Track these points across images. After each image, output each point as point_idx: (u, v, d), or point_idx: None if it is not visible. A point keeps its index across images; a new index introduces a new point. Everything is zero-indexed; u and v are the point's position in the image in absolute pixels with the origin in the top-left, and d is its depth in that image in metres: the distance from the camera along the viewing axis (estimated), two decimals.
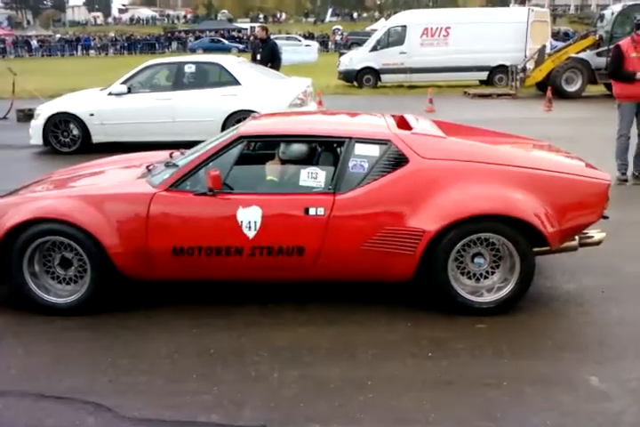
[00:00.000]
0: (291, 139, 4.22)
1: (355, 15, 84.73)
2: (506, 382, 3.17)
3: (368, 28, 46.44)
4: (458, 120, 6.05)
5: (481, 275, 3.96)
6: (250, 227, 3.81)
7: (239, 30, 56.91)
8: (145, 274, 4.01)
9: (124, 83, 9.76)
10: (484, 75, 19.28)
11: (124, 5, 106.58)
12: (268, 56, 11.55)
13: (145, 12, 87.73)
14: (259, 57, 11.63)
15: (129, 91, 9.66)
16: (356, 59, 19.93)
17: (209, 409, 2.98)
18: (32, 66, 28.89)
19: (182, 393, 3.11)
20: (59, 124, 9.70)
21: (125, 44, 49.51)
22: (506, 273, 3.92)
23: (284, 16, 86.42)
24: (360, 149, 3.97)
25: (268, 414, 2.94)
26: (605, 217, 4.12)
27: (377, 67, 19.39)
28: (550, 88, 14.74)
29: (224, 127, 9.17)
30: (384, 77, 19.48)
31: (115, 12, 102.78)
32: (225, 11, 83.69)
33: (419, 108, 13.31)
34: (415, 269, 3.86)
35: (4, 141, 10.86)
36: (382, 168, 3.90)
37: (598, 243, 4.28)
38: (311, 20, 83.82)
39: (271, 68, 11.31)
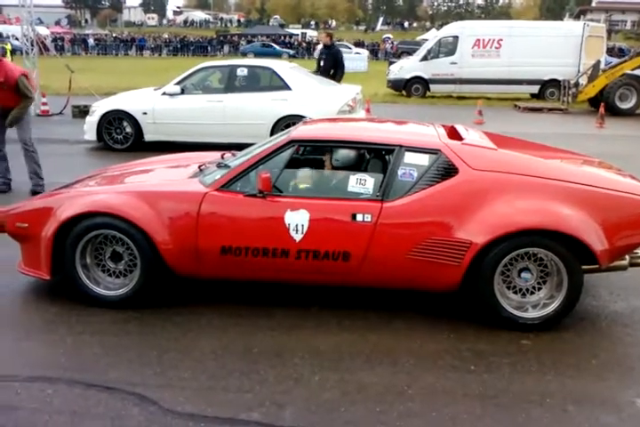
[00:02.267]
0: (341, 144, 4.26)
1: (406, 24, 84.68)
2: (549, 400, 3.13)
3: (418, 38, 46.39)
4: (507, 133, 6.00)
5: (527, 290, 3.92)
6: (297, 230, 3.86)
7: (290, 36, 57.39)
8: (193, 271, 4.09)
9: (177, 84, 9.94)
10: (535, 88, 19.07)
11: (178, 8, 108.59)
12: (331, 63, 11.57)
13: (199, 15, 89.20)
14: (322, 63, 11.69)
15: (182, 91, 9.84)
16: (406, 68, 19.92)
17: (250, 408, 3.02)
18: (88, 64, 29.57)
19: (225, 390, 3.17)
20: (113, 121, 9.93)
21: (179, 46, 50.36)
22: (553, 290, 3.88)
23: (334, 23, 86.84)
24: (410, 157, 3.98)
25: (309, 416, 2.97)
26: None
27: (426, 76, 19.35)
28: (603, 104, 14.51)
29: (273, 131, 9.28)
30: (433, 87, 19.43)
31: (169, 14, 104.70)
32: (277, 16, 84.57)
33: (467, 120, 13.22)
34: (461, 280, 3.84)
35: (60, 136, 11.15)
36: (431, 177, 3.90)
37: None
38: (362, 28, 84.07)
39: (334, 74, 11.39)
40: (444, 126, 4.72)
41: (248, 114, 9.59)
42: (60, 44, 45.03)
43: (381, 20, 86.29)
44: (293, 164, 4.23)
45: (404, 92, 19.69)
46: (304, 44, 51.26)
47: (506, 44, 19.00)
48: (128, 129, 9.92)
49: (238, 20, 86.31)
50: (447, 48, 19.53)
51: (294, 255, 3.89)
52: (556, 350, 3.66)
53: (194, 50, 48.92)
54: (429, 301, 4.27)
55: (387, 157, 4.28)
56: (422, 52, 19.99)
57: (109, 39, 52.53)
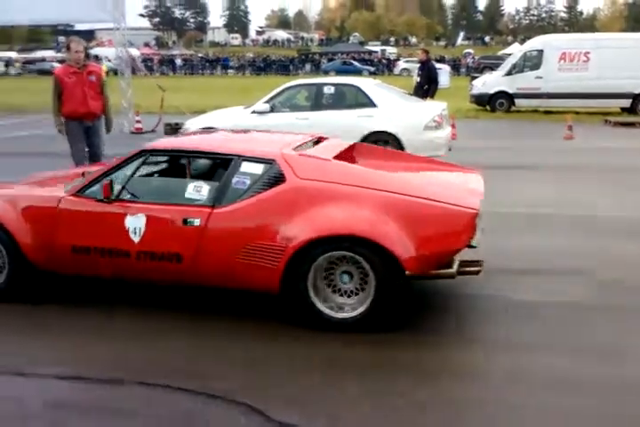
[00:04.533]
0: (187, 154, 4.73)
1: (486, 39, 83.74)
2: None
3: (500, 53, 45.77)
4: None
5: (345, 292, 4.06)
6: (135, 233, 4.21)
7: (370, 53, 57.79)
8: (52, 267, 4.49)
9: (266, 102, 10.18)
10: (626, 102, 18.45)
11: (260, 27, 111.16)
12: (425, 78, 12.04)
13: (280, 35, 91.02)
14: (418, 79, 12.08)
15: (271, 110, 10.08)
16: (490, 82, 19.70)
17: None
18: (176, 83, 30.66)
19: (334, 402, 3.22)
20: None
21: (262, 65, 51.55)
22: (368, 293, 3.97)
23: (414, 39, 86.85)
24: (246, 166, 4.23)
25: None
26: (472, 246, 4.05)
27: (511, 91, 19.05)
28: None
29: None
30: (518, 102, 19.12)
31: (252, 34, 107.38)
32: (357, 34, 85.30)
33: (555, 135, 13.00)
34: (279, 282, 3.99)
35: None
36: (261, 185, 4.14)
37: (477, 273, 4.19)
38: (442, 43, 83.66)
39: (427, 90, 11.78)
40: (313, 138, 5.00)
41: (334, 131, 9.55)
42: (149, 64, 46.96)
43: (462, 35, 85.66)
44: (143, 172, 4.64)
45: (487, 107, 19.47)
46: (384, 61, 51.51)
47: (594, 57, 18.51)
48: None
49: (321, 39, 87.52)
50: (532, 62, 19.21)
51: (134, 256, 4.22)
52: None
53: (276, 69, 49.96)
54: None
55: (227, 166, 4.47)
56: (506, 66, 19.73)
57: (196, 59, 54.39)
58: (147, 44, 69.36)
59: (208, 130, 7.73)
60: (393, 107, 9.86)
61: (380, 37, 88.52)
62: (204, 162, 4.75)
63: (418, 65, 13.21)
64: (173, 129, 13.37)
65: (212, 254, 4.09)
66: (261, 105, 10.14)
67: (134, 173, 4.44)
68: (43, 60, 53.90)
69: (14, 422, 3.11)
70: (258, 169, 4.20)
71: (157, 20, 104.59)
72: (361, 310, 3.98)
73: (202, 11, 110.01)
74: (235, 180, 4.20)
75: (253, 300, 4.42)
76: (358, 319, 3.98)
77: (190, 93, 23.83)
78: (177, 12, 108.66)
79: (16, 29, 65.75)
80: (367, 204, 3.98)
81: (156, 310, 4.41)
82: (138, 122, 14.75)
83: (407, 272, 3.85)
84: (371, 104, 9.84)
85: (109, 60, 31.06)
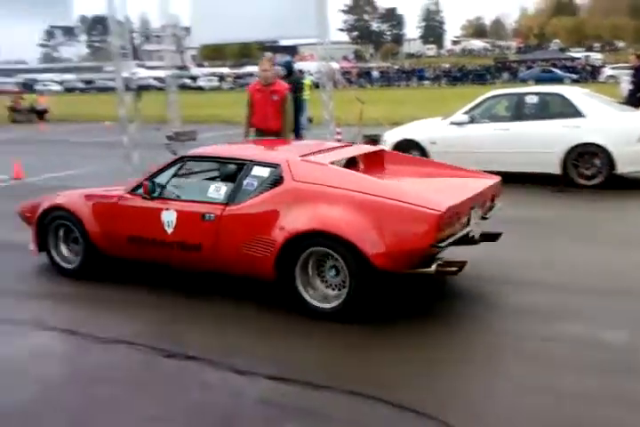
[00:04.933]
0: (215, 160, 5.45)
1: None
2: None
3: None
4: None
5: (336, 286, 4.47)
6: (169, 225, 4.98)
7: (572, 59, 54.91)
8: (115, 253, 5.39)
9: (465, 113, 10.08)
10: None
11: (456, 37, 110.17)
12: (638, 86, 11.58)
13: (476, 44, 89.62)
14: (630, 87, 11.74)
15: (470, 121, 9.95)
16: None
17: None
18: (373, 95, 31.24)
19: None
20: (404, 151, 10.32)
21: (457, 75, 51.05)
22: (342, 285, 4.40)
23: (621, 44, 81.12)
24: (256, 170, 4.85)
25: None
26: (437, 246, 4.16)
27: None
28: None
29: (565, 161, 8.96)
30: None
31: (447, 44, 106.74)
32: (557, 40, 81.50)
33: None
34: (273, 271, 4.55)
35: None
36: (265, 187, 4.74)
37: (455, 272, 4.43)
38: None
39: None
40: (337, 146, 5.70)
41: (537, 142, 9.31)
42: (347, 77, 48.51)
43: None
44: (181, 174, 5.33)
45: None
46: (588, 68, 48.69)
47: None
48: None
49: (518, 47, 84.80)
50: None
51: (169, 246, 5.02)
52: None
53: (472, 78, 49.17)
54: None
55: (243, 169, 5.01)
56: None
57: (392, 71, 55.25)
58: (345, 58, 71.76)
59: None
60: (602, 117, 9.31)
61: (582, 43, 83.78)
62: (228, 166, 5.41)
63: (627, 71, 12.45)
64: (372, 140, 13.67)
65: (224, 245, 4.78)
66: (460, 116, 10.07)
67: (174, 175, 5.23)
68: (250, 75, 57.60)
69: (230, 417, 3.35)
70: (265, 172, 4.82)
71: (356, 33, 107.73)
72: (337, 302, 4.40)
73: (398, 23, 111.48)
74: (246, 182, 4.84)
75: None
76: (337, 310, 4.39)
77: (387, 105, 24.21)
78: (374, 25, 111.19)
79: (228, 46, 70.92)
80: (346, 204, 4.39)
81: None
82: (338, 133, 15.27)
83: (378, 268, 4.18)
84: (577, 114, 9.32)
85: (311, 74, 32.50)
